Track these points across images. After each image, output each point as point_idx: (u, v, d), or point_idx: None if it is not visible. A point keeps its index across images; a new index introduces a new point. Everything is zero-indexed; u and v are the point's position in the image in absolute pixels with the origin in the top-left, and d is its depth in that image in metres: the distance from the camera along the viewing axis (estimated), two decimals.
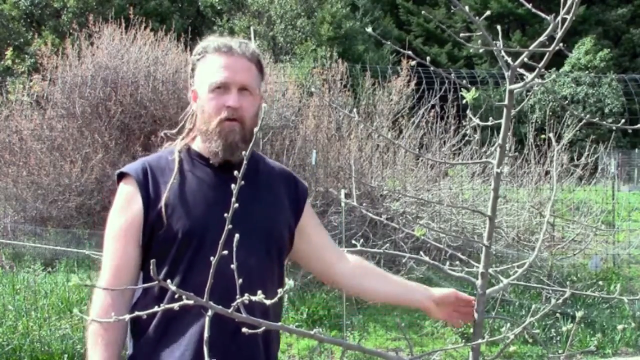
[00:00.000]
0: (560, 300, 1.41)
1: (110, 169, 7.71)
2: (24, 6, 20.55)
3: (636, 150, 20.47)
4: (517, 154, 7.84)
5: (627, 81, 20.68)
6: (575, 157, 7.36)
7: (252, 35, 7.87)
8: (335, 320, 5.54)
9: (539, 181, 7.48)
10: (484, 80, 18.70)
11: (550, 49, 1.21)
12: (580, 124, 7.47)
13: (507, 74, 1.34)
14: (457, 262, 1.62)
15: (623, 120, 1.76)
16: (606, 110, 22.05)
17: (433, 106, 8.12)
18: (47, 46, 9.02)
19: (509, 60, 1.34)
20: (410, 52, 1.41)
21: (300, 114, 8.25)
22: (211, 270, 1.04)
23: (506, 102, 1.38)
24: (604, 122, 1.41)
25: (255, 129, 1.25)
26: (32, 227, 7.71)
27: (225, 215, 1.01)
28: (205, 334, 1.04)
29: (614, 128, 1.41)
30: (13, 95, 9.34)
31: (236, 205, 1.08)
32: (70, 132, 8.17)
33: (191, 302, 1.02)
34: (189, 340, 1.54)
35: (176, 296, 1.02)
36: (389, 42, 1.50)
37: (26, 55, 17.21)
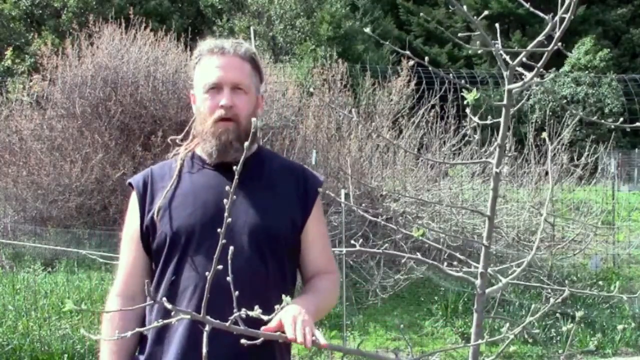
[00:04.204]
0: (559, 300, 1.41)
1: (110, 169, 7.71)
2: (24, 6, 20.53)
3: (636, 150, 20.47)
4: (517, 153, 7.84)
5: (627, 81, 20.67)
6: (575, 157, 7.36)
7: (252, 35, 7.86)
8: (335, 320, 5.53)
9: (539, 181, 7.48)
10: (484, 80, 18.68)
11: (549, 48, 1.21)
12: (575, 121, 7.47)
13: (505, 73, 1.34)
14: (456, 262, 1.62)
15: (622, 119, 1.76)
16: (606, 110, 22.03)
17: (433, 106, 8.12)
18: (47, 46, 9.00)
19: (508, 59, 1.34)
20: (409, 52, 1.41)
21: (300, 114, 8.24)
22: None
23: (505, 101, 1.38)
24: (603, 121, 1.41)
25: (253, 129, 1.26)
26: (32, 227, 7.71)
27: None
28: (204, 349, 1.05)
29: (613, 127, 1.41)
30: (13, 95, 9.34)
31: (227, 205, 1.10)
32: (70, 132, 8.16)
33: (188, 316, 1.04)
34: (176, 343, 1.55)
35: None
36: (387, 42, 1.51)
37: (26, 55, 17.19)
